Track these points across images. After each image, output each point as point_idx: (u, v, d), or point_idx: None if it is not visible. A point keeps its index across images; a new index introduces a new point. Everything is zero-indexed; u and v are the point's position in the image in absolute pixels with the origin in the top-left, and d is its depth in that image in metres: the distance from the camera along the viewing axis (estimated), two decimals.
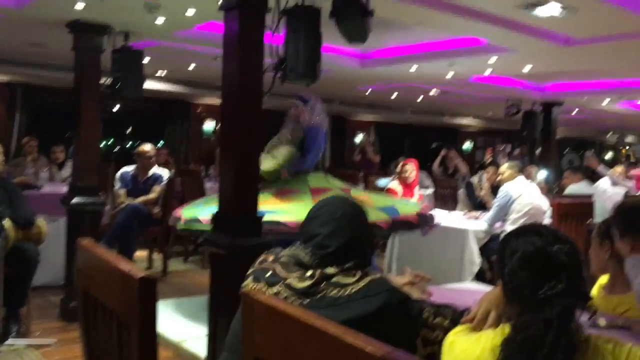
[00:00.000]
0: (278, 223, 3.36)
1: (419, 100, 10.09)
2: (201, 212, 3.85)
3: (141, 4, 3.92)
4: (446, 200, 7.67)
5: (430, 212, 4.30)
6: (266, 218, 3.16)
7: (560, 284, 1.29)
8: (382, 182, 6.92)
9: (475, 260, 4.91)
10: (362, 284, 1.51)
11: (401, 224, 3.95)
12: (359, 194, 4.35)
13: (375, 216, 3.67)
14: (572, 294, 1.30)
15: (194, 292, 5.21)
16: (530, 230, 1.42)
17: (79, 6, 4.03)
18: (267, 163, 3.86)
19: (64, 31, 4.61)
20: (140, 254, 6.14)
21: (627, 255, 2.07)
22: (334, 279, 1.53)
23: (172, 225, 4.20)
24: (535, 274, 1.33)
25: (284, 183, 3.94)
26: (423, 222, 4.08)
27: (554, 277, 1.30)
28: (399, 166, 6.14)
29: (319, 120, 4.32)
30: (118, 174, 6.05)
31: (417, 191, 6.12)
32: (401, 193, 5.87)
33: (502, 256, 1.42)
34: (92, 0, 3.88)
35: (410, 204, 4.31)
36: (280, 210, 3.46)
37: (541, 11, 3.80)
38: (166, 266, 6.03)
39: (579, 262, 1.37)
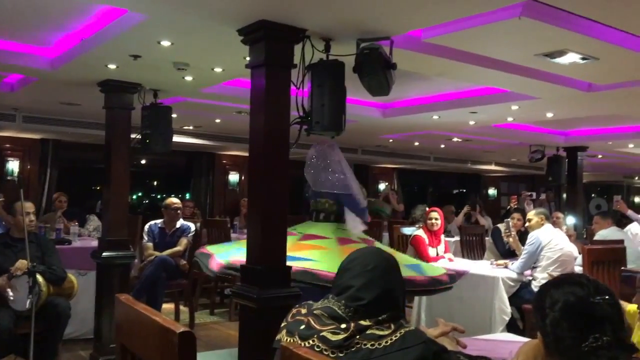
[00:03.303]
0: (310, 274, 3.25)
1: (441, 147, 10.13)
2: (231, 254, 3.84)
3: (170, 64, 4.07)
4: (473, 247, 7.58)
5: (453, 276, 4.17)
6: (294, 264, 3.17)
7: (605, 336, 1.27)
8: (407, 230, 6.89)
9: (505, 308, 4.82)
10: (397, 336, 1.51)
11: (435, 283, 3.85)
12: (382, 248, 4.30)
13: (406, 272, 3.63)
14: (617, 346, 1.28)
15: (221, 345, 5.18)
16: (570, 280, 1.41)
17: (111, 67, 4.20)
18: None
19: (96, 90, 4.79)
20: (167, 306, 6.16)
21: None
22: (369, 332, 1.53)
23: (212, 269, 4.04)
24: (579, 325, 1.31)
25: (308, 228, 3.94)
26: (452, 281, 3.98)
27: (598, 329, 1.28)
28: (424, 214, 6.12)
29: None
30: (146, 227, 6.13)
31: (443, 238, 6.08)
32: (427, 241, 5.83)
33: (542, 306, 1.39)
34: (123, 61, 4.04)
35: (434, 267, 4.20)
36: (309, 257, 3.43)
37: (561, 60, 3.85)
38: (193, 319, 6.02)
39: (622, 314, 1.35)
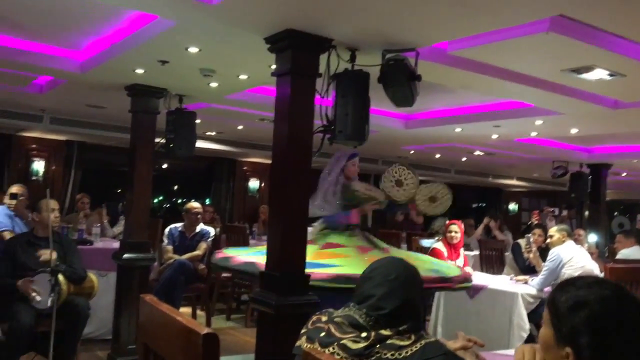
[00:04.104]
0: (343, 277, 3.23)
1: (462, 160, 10.08)
2: (239, 255, 3.89)
3: (197, 70, 4.12)
4: (492, 262, 7.52)
5: (471, 278, 4.15)
6: (320, 270, 3.18)
7: None
8: (426, 242, 6.86)
9: (524, 325, 4.76)
10: (417, 346, 1.51)
11: (439, 286, 3.84)
12: (400, 254, 4.30)
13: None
14: None
15: (237, 350, 5.19)
16: (619, 293, 1.31)
17: (139, 71, 4.26)
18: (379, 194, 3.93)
19: (123, 94, 4.87)
20: (184, 310, 6.19)
21: None
22: (389, 341, 1.53)
23: (213, 262, 4.09)
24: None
25: (326, 237, 3.96)
26: (462, 286, 3.96)
27: None
28: (444, 227, 6.09)
29: None
30: (166, 230, 6.18)
31: (462, 252, 6.03)
32: (446, 254, 5.79)
33: (583, 322, 1.26)
34: (151, 66, 4.10)
35: (453, 268, 4.19)
36: (333, 264, 3.46)
37: (588, 76, 3.82)
38: (209, 323, 6.05)
39: None
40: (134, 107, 4.84)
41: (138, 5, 3.15)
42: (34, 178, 8.55)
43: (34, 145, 8.67)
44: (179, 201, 11.51)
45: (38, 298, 3.89)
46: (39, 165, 8.69)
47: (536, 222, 8.69)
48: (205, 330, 1.20)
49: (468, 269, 5.87)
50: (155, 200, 11.44)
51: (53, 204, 4.33)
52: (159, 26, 3.40)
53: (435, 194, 4.00)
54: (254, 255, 3.71)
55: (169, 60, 3.93)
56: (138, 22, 3.64)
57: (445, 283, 3.77)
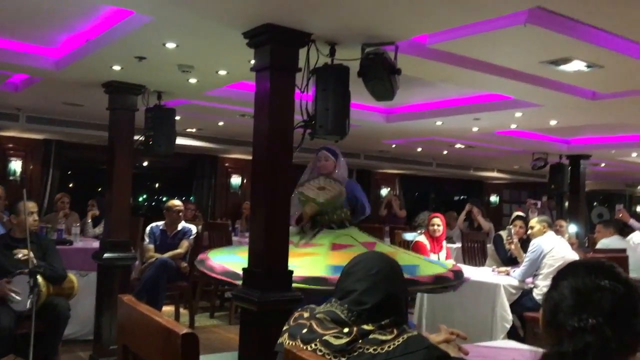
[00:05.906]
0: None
1: (444, 153, 10.13)
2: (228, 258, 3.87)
3: (175, 66, 4.08)
4: (474, 254, 7.57)
5: (458, 273, 4.14)
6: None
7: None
8: (409, 235, 6.88)
9: (507, 315, 4.80)
10: (399, 341, 1.50)
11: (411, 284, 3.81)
12: (384, 248, 4.28)
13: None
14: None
15: (221, 348, 5.17)
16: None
17: (116, 68, 4.20)
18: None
19: (100, 91, 4.80)
20: (167, 308, 6.14)
21: None
22: (371, 336, 1.52)
23: (202, 270, 4.04)
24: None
25: (310, 238, 3.94)
26: (458, 278, 3.96)
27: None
28: (427, 220, 6.11)
29: (345, 175, 4.37)
30: (147, 228, 6.12)
31: (445, 245, 6.06)
32: (429, 247, 5.81)
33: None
34: (128, 63, 4.04)
35: (436, 266, 4.16)
36: (292, 266, 3.43)
37: (566, 67, 3.85)
38: (193, 321, 6.01)
39: None
40: (111, 104, 4.77)
41: (114, 0, 3.10)
42: (11, 178, 8.41)
43: (10, 145, 8.53)
44: (164, 199, 11.41)
45: (18, 298, 3.83)
46: (16, 165, 8.55)
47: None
48: (184, 330, 1.18)
49: (450, 261, 5.91)
50: (140, 199, 11.34)
51: (32, 206, 4.25)
52: (136, 22, 3.35)
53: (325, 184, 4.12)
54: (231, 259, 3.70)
55: (147, 57, 3.88)
56: (114, 17, 3.58)
57: (437, 285, 3.78)
